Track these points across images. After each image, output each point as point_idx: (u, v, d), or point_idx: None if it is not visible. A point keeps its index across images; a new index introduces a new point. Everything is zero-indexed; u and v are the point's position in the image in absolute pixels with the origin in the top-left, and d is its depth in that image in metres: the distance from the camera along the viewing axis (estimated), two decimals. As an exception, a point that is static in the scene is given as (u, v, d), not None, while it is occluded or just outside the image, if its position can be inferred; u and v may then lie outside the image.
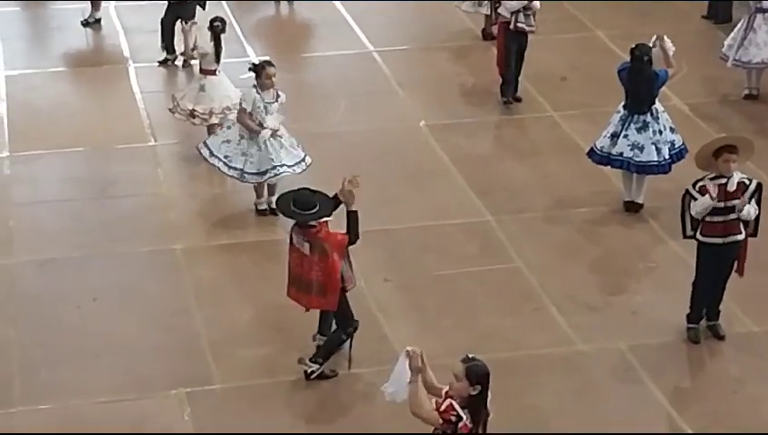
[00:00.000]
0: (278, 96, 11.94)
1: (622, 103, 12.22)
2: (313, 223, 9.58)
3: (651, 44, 12.16)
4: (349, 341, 9.95)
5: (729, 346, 10.46)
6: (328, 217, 9.65)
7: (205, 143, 12.31)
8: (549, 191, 12.82)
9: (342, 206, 9.66)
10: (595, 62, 15.33)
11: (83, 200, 12.72)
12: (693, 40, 16.21)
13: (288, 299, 10.45)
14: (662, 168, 12.15)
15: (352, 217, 9.58)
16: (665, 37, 12.25)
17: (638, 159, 12.08)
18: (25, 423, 9.54)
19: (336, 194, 9.66)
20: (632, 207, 12.37)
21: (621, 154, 12.12)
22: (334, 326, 10.04)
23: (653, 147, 12.10)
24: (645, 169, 12.13)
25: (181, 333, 10.61)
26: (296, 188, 9.90)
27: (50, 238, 11.98)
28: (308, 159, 12.13)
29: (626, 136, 12.11)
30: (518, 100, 14.74)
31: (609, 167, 12.41)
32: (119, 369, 10.13)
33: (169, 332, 10.62)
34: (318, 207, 9.56)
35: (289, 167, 11.99)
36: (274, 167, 11.93)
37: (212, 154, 12.15)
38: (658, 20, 16.72)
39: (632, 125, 12.11)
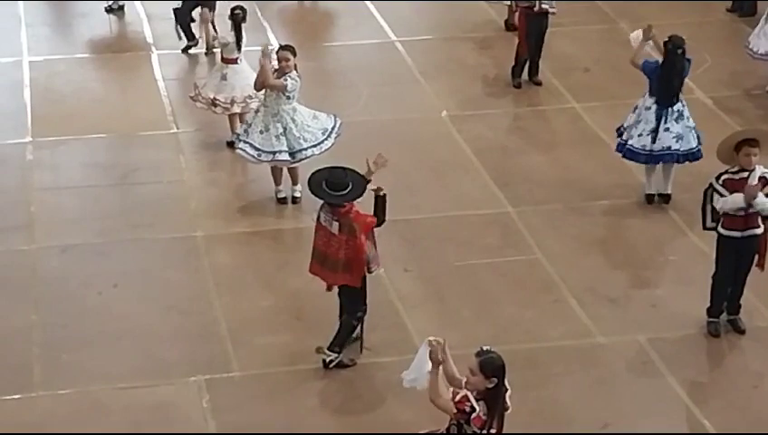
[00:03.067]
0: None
1: (651, 99, 12.07)
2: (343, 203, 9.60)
3: (641, 38, 12.20)
4: (360, 326, 9.96)
5: (749, 340, 10.43)
6: (359, 197, 9.64)
7: (247, 144, 12.09)
8: (570, 183, 12.80)
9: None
10: (618, 54, 15.26)
11: (105, 186, 12.76)
12: (717, 33, 16.16)
13: (307, 288, 10.53)
14: (700, 153, 12.14)
15: (379, 201, 9.60)
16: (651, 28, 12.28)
17: (683, 149, 12.08)
18: (45, 408, 9.59)
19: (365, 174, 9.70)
20: (662, 199, 12.32)
21: (669, 148, 12.05)
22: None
23: (690, 134, 12.13)
24: (690, 156, 12.12)
25: (201, 319, 10.64)
26: (328, 167, 9.88)
27: (71, 224, 12.02)
28: (327, 143, 12.12)
29: (667, 129, 12.05)
30: (538, 83, 14.74)
31: (659, 163, 12.23)
32: (138, 355, 10.17)
33: (189, 318, 10.66)
34: (350, 188, 9.55)
35: (315, 146, 12.01)
36: (303, 149, 11.97)
37: (257, 150, 12.04)
38: (683, 12, 16.67)
39: (669, 117, 12.08)
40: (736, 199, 9.95)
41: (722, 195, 10.04)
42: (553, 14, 14.54)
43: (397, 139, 13.44)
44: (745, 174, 9.98)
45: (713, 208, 10.14)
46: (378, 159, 9.76)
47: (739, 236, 10.12)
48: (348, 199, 9.56)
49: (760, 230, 10.13)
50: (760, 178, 9.98)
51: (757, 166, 10.01)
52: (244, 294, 10.99)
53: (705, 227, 10.37)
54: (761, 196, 9.92)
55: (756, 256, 10.27)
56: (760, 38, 14.42)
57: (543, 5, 14.41)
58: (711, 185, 10.15)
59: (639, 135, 12.14)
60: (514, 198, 12.50)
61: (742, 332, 10.45)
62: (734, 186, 9.99)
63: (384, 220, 9.68)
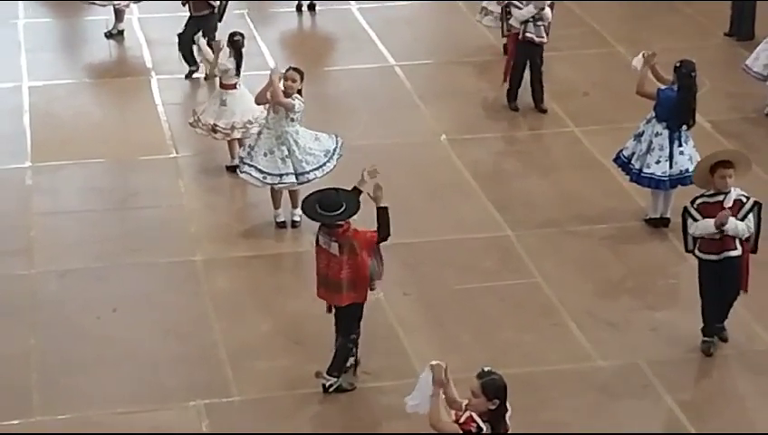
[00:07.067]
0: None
1: (660, 124, 12.07)
2: (340, 222, 9.60)
3: (640, 64, 12.24)
4: (355, 349, 9.95)
5: (749, 364, 10.42)
6: (354, 215, 9.65)
7: (252, 167, 12.06)
8: (569, 206, 12.81)
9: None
10: (616, 78, 15.32)
11: (104, 211, 12.76)
12: (715, 56, 16.19)
13: (306, 312, 10.55)
14: None
15: (382, 214, 9.60)
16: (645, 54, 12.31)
17: (693, 169, 12.13)
18: (44, 433, 9.56)
19: (355, 186, 9.75)
20: (661, 223, 12.33)
21: (687, 170, 12.04)
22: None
23: (697, 154, 12.17)
24: None
25: (200, 344, 10.63)
26: (320, 189, 9.90)
27: (70, 249, 12.02)
28: (329, 165, 12.15)
29: (681, 152, 12.09)
30: (543, 111, 14.77)
31: (679, 186, 12.20)
32: (137, 379, 10.16)
33: (188, 343, 10.64)
34: (344, 207, 9.57)
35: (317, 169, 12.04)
36: (307, 172, 11.99)
37: (262, 172, 12.04)
38: (680, 36, 16.72)
39: (681, 140, 12.11)
40: (707, 225, 9.96)
41: (695, 219, 10.05)
42: (540, 43, 14.53)
43: (396, 163, 13.45)
44: (721, 197, 10.01)
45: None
46: (371, 171, 9.83)
47: (716, 259, 10.12)
48: (342, 218, 9.57)
49: (736, 253, 10.10)
50: (735, 200, 9.99)
51: (732, 188, 10.03)
52: (243, 319, 10.98)
53: (686, 250, 10.40)
54: (731, 220, 9.93)
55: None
56: (758, 58, 14.52)
57: (528, 34, 14.42)
58: (686, 209, 10.16)
59: (657, 162, 12.09)
60: (513, 221, 12.50)
61: (725, 340, 10.43)
62: (708, 210, 10.01)
63: (388, 234, 9.66)
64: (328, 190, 9.75)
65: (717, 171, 10.00)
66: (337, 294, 9.75)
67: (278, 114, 11.96)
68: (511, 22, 14.67)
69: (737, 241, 10.06)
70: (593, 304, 11.20)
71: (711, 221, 9.92)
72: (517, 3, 14.43)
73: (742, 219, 9.97)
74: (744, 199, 10.04)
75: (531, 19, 14.35)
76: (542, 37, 14.50)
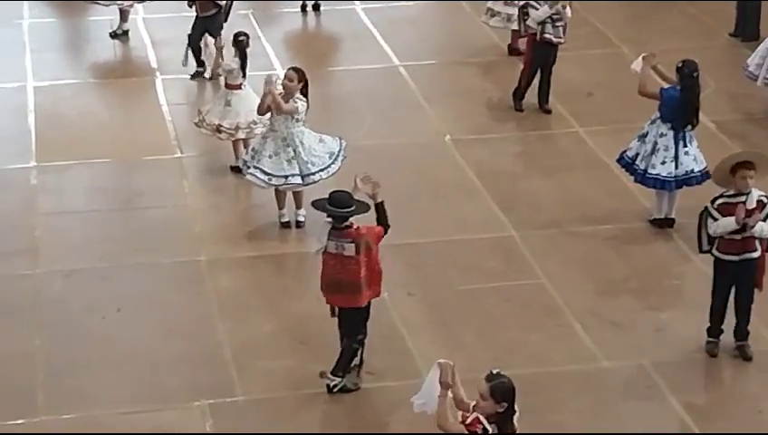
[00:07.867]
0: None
1: (665, 125, 12.08)
2: (348, 223, 9.63)
3: (639, 67, 12.25)
4: (361, 349, 9.96)
5: (754, 365, 10.41)
6: (363, 213, 9.70)
7: (257, 169, 12.08)
8: (573, 207, 12.80)
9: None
10: (621, 79, 15.29)
11: (109, 211, 12.78)
12: (720, 57, 16.19)
13: (310, 312, 10.57)
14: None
15: (381, 208, 9.68)
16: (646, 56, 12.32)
17: (699, 169, 12.12)
18: (49, 433, 9.57)
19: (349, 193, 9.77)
20: (665, 223, 12.32)
21: (692, 170, 12.06)
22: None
23: (701, 154, 12.15)
24: (706, 175, 12.10)
25: (204, 344, 10.64)
26: (331, 191, 9.93)
27: (75, 249, 12.03)
28: (333, 167, 12.16)
29: (686, 152, 12.09)
30: (547, 111, 14.76)
31: (684, 187, 12.21)
32: (142, 379, 10.17)
33: (193, 343, 10.65)
34: (354, 206, 9.66)
35: (322, 170, 12.06)
36: (312, 173, 12.00)
37: (267, 174, 12.06)
38: (685, 37, 16.71)
39: (686, 140, 12.11)
40: (729, 222, 9.96)
41: (715, 219, 10.05)
42: (558, 44, 14.51)
43: (400, 163, 13.47)
44: (742, 198, 10.01)
45: (708, 233, 10.17)
46: (364, 178, 9.80)
47: (736, 259, 10.12)
48: (356, 213, 9.65)
49: (757, 254, 10.13)
50: (757, 201, 10.00)
51: (753, 189, 10.03)
52: (247, 319, 10.98)
53: (700, 251, 10.40)
54: (759, 223, 9.94)
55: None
56: (755, 57, 14.56)
57: (546, 35, 14.39)
58: (706, 209, 10.17)
59: (663, 163, 12.09)
60: (518, 222, 12.50)
61: (749, 358, 10.41)
62: (729, 210, 10.00)
63: (389, 226, 9.75)
64: (338, 192, 9.80)
65: (738, 172, 10.00)
66: (355, 295, 9.75)
67: (282, 116, 11.97)
68: (528, 22, 14.57)
69: (757, 242, 10.08)
70: (597, 304, 11.20)
71: (732, 219, 9.93)
72: (534, 3, 14.37)
73: (764, 220, 9.99)
74: (766, 200, 10.05)
75: (549, 19, 14.30)
76: (560, 38, 14.44)
